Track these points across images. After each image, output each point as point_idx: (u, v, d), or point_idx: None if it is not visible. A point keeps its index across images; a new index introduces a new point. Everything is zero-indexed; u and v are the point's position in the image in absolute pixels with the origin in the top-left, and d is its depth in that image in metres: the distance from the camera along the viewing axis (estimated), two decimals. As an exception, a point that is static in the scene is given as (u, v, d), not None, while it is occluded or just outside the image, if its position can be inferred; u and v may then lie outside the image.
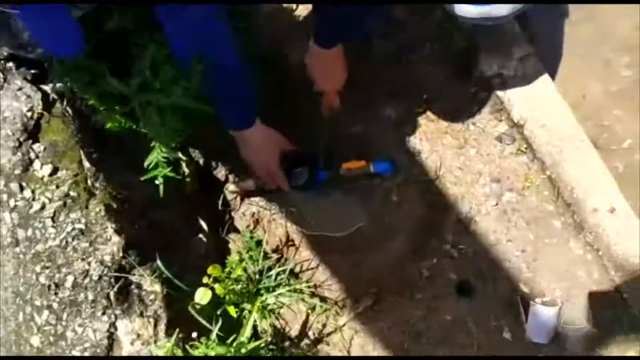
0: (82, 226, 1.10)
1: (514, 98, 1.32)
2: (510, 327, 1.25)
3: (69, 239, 1.10)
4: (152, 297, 1.11)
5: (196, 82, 0.91)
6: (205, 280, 1.15)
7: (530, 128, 1.30)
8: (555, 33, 1.44)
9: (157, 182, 1.09)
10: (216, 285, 1.15)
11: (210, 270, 1.16)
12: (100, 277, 1.08)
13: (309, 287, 1.26)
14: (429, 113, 1.37)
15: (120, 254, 1.10)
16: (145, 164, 1.10)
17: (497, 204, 1.31)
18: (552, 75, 1.36)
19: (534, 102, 1.31)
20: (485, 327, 1.25)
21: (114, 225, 1.11)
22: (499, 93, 1.34)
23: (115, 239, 1.10)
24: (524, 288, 1.27)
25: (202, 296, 1.12)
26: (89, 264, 1.09)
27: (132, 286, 1.10)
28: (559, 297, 1.26)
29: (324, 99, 1.32)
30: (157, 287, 1.11)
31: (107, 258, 1.09)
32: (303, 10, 1.45)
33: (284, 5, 1.46)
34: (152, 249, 1.13)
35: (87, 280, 1.08)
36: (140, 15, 1.00)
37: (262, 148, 1.22)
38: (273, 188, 1.30)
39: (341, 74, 1.25)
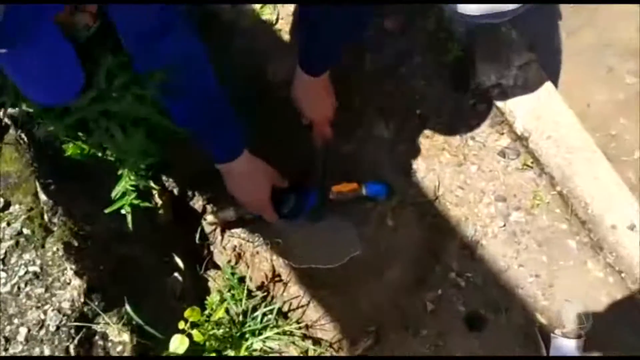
0: (37, 269, 0.99)
1: (516, 109, 1.24)
2: (529, 362, 1.14)
3: (22, 285, 0.97)
4: (119, 348, 0.98)
5: (152, 90, 0.81)
6: (181, 325, 1.03)
7: (536, 140, 1.23)
8: (553, 40, 1.39)
9: (123, 211, 0.99)
10: (194, 331, 1.03)
11: (187, 313, 1.04)
12: (58, 327, 0.95)
13: (299, 328, 1.16)
14: (423, 129, 1.30)
15: (82, 300, 0.97)
16: (113, 194, 1.00)
17: (504, 225, 1.23)
18: (554, 84, 1.29)
19: (538, 112, 1.23)
20: (500, 364, 1.14)
21: (73, 266, 0.99)
22: (499, 104, 1.27)
23: (76, 282, 0.98)
24: (541, 318, 1.17)
25: (177, 345, 0.99)
26: (44, 312, 0.96)
27: (96, 337, 0.98)
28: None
29: (315, 129, 1.25)
30: (126, 337, 0.98)
31: (66, 305, 0.97)
32: (284, 25, 1.38)
33: (265, 20, 1.38)
34: (119, 292, 1.01)
35: (42, 332, 0.95)
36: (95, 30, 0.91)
37: (251, 183, 1.14)
38: (256, 216, 1.21)
39: (330, 101, 1.22)
